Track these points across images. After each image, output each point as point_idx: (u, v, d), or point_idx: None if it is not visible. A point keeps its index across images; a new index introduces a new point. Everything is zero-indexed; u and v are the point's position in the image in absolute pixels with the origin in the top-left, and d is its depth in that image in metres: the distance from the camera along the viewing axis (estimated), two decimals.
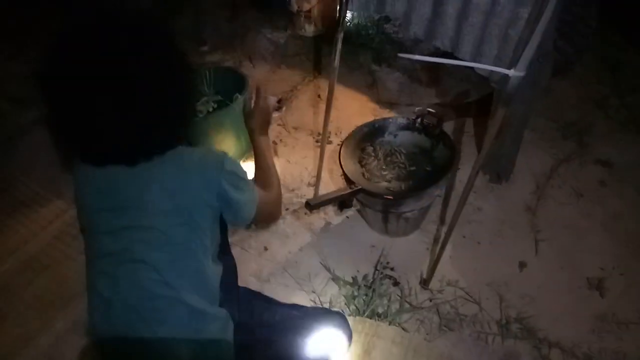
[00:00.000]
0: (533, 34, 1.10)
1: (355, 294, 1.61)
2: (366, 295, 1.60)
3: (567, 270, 1.65)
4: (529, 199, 1.85)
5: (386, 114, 2.35)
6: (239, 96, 1.96)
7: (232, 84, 2.05)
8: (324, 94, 2.52)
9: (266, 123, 1.29)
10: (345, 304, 1.60)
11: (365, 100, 2.47)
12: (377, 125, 1.77)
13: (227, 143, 2.00)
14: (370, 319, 1.53)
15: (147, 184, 0.94)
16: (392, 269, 1.70)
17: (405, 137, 1.76)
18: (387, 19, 2.77)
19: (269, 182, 1.19)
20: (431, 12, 1.46)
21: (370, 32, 2.78)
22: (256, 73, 2.68)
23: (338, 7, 2.39)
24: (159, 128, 0.93)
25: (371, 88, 2.53)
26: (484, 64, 1.35)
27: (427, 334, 1.53)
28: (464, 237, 1.77)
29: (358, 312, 1.55)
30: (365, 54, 2.69)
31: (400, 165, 1.69)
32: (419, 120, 1.73)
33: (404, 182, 1.64)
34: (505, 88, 1.24)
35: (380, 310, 1.57)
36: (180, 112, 0.99)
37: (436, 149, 1.69)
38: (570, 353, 1.46)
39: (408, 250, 1.75)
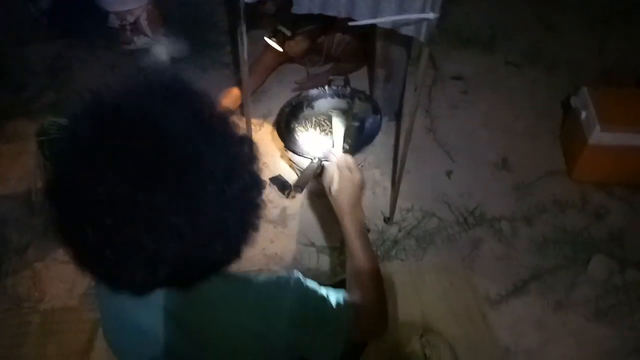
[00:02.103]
0: None
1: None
2: None
3: (479, 164, 2.05)
4: (424, 123, 2.19)
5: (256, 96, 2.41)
6: None
7: None
8: None
9: (356, 198, 1.02)
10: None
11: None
12: (294, 103, 1.87)
13: None
14: None
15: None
16: None
17: (322, 105, 1.89)
18: None
19: (363, 281, 0.93)
20: None
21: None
22: None
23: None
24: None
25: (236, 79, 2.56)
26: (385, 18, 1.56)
27: (415, 257, 1.76)
28: (394, 172, 2.03)
29: None
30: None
31: (331, 130, 1.83)
32: (327, 86, 1.89)
33: (343, 143, 1.80)
34: (421, 33, 1.48)
35: None
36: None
37: (354, 106, 1.87)
38: (512, 220, 1.86)
39: None
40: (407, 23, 1.52)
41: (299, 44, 2.24)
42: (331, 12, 1.61)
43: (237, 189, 0.65)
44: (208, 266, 0.70)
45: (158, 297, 0.72)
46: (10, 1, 2.86)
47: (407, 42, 1.96)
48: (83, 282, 1.70)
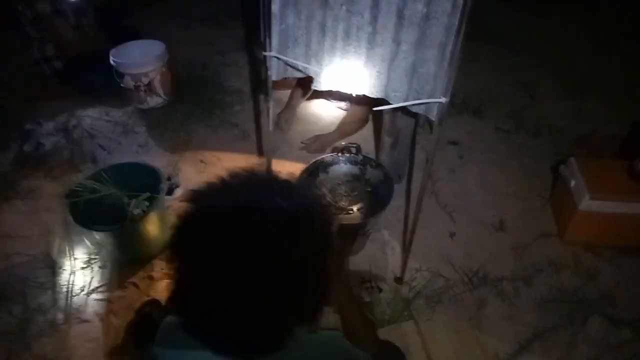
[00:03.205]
0: (449, 67, 1.51)
1: None
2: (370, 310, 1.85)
3: (479, 225, 2.21)
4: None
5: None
6: (162, 186, 1.95)
7: (136, 178, 2.00)
8: (205, 158, 2.57)
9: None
10: None
11: (247, 151, 2.62)
12: (311, 169, 2.00)
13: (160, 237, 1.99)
14: (389, 325, 1.79)
15: None
16: (369, 281, 1.98)
17: (336, 171, 2.04)
18: None
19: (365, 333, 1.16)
20: (340, 69, 1.77)
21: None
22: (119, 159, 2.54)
23: None
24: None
25: (245, 139, 2.69)
26: (397, 98, 1.74)
27: (425, 316, 1.87)
28: (403, 233, 2.17)
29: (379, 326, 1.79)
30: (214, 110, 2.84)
31: (345, 195, 1.97)
32: (340, 154, 2.04)
33: (357, 207, 1.93)
34: (433, 113, 1.65)
35: (386, 317, 1.84)
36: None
37: (366, 172, 2.02)
38: (513, 280, 2.00)
39: (371, 259, 2.04)
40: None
41: None
42: (347, 90, 1.78)
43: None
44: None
45: None
46: (22, 59, 2.97)
47: (413, 112, 2.14)
48: (107, 341, 1.74)
